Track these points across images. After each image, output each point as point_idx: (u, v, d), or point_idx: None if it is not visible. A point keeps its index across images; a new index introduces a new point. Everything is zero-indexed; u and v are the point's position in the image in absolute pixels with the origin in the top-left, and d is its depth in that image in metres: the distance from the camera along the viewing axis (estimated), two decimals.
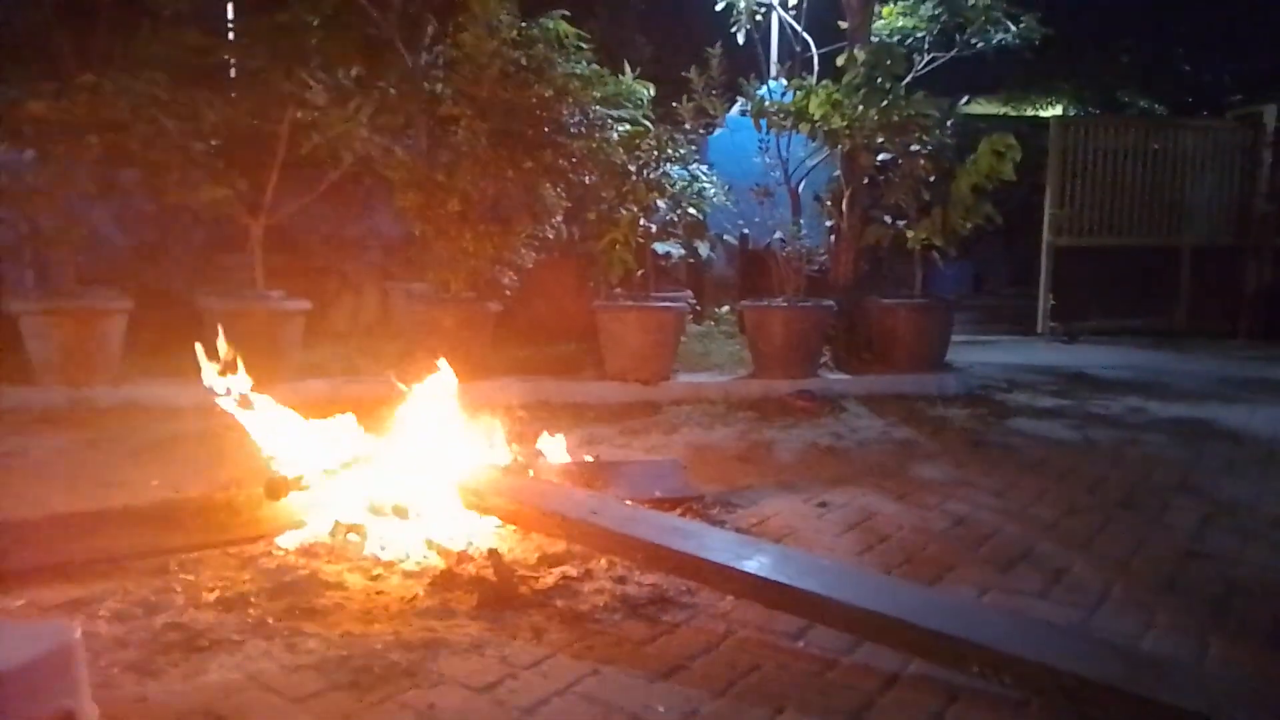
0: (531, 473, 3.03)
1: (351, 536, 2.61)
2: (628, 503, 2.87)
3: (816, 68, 6.59)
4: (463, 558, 2.47)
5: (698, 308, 7.11)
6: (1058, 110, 15.45)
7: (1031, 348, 7.76)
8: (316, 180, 5.54)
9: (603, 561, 2.48)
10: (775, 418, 4.70)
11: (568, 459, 3.27)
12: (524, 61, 5.21)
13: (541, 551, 2.56)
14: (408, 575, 2.42)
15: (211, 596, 2.28)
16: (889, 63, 5.31)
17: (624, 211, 5.34)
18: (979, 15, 6.36)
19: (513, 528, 2.68)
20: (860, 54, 5.38)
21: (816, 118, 5.23)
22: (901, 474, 3.69)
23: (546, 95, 5.09)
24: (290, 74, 5.02)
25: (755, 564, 2.02)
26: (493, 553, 2.42)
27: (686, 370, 5.49)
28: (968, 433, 4.47)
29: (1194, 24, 13.05)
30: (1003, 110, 15.17)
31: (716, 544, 2.18)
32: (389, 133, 5.29)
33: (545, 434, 3.41)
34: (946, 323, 5.74)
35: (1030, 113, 15.29)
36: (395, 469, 2.82)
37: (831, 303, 5.66)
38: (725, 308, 7.48)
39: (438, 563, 2.47)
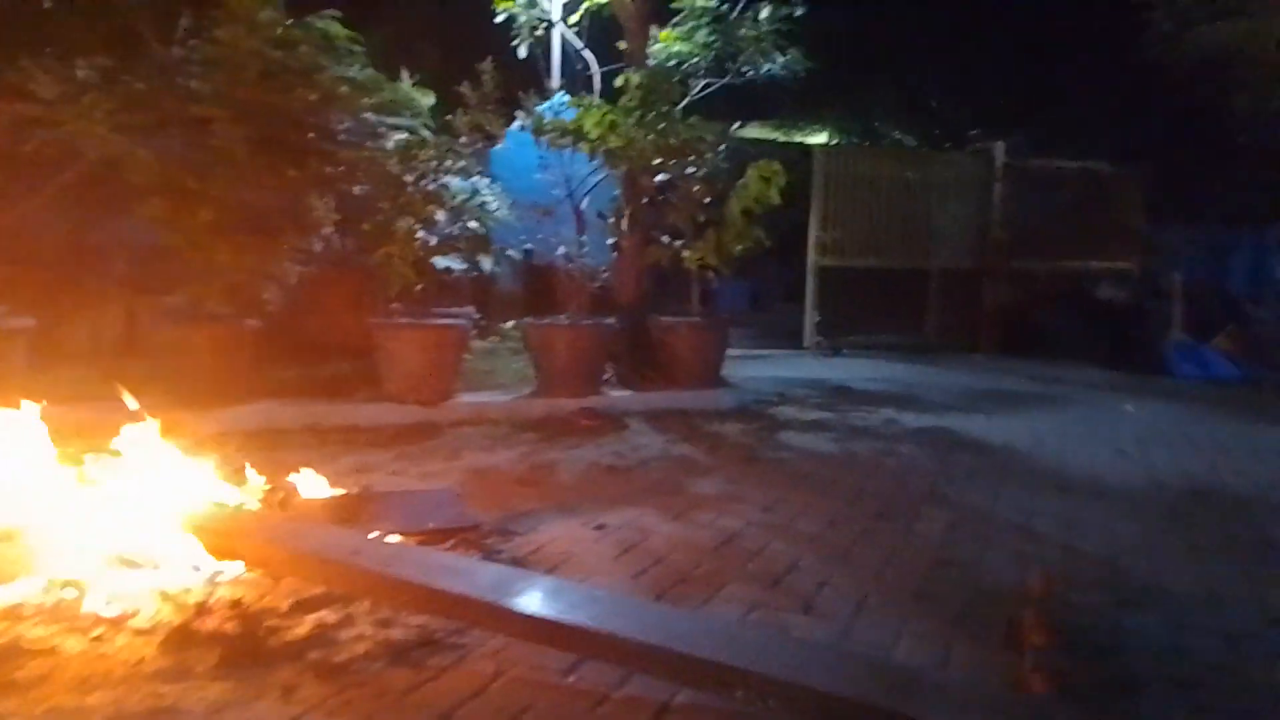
0: (286, 510, 2.80)
1: (69, 592, 2.29)
2: (396, 538, 2.73)
3: (598, 86, 6.67)
4: (203, 610, 2.23)
5: (483, 323, 6.98)
6: (824, 137, 16.57)
7: (800, 362, 8.21)
8: (48, 182, 4.94)
9: (366, 603, 2.32)
10: (559, 437, 4.66)
11: (332, 491, 3.05)
12: (289, 63, 4.90)
13: (297, 596, 2.35)
14: (137, 634, 2.15)
15: None
16: (664, 88, 5.44)
17: (401, 224, 5.13)
18: (750, 45, 6.68)
19: (265, 571, 2.45)
20: (636, 77, 5.48)
21: (593, 138, 5.26)
22: (679, 491, 3.75)
23: (311, 100, 4.80)
24: (13, 62, 4.45)
25: (524, 601, 1.95)
26: (237, 603, 2.20)
27: (470, 389, 5.34)
28: (742, 448, 4.63)
29: (941, 65, 14.39)
30: (775, 135, 16.06)
31: (486, 580, 2.09)
32: (136, 132, 4.79)
33: (307, 464, 3.18)
34: (723, 339, 5.94)
35: (800, 139, 16.29)
36: (126, 510, 2.52)
37: (614, 320, 5.71)
38: (511, 323, 7.39)
39: (174, 617, 2.21)
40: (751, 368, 7.36)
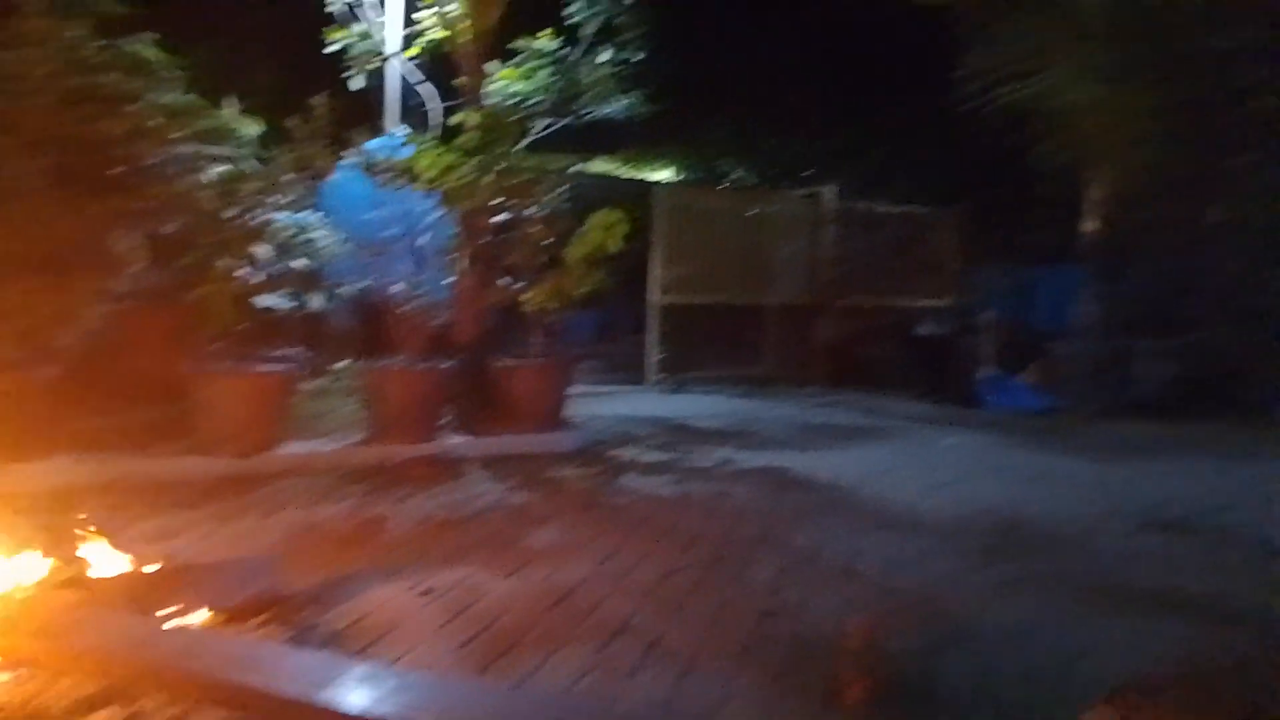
0: (73, 590, 2.54)
1: None
2: (202, 614, 2.53)
3: (439, 122, 6.55)
4: None
5: (315, 363, 6.66)
6: (669, 173, 16.93)
7: (643, 398, 8.27)
8: None
9: (159, 697, 2.13)
10: (391, 488, 4.48)
11: (128, 564, 2.80)
12: (95, 90, 4.55)
13: (77, 694, 2.12)
14: None
15: None
16: (503, 128, 5.39)
17: (220, 262, 4.85)
18: (590, 88, 6.74)
19: (40, 668, 2.21)
20: (475, 117, 5.40)
21: (428, 178, 5.15)
22: (515, 544, 3.67)
23: (119, 132, 4.46)
24: None
25: (331, 693, 1.83)
26: (1, 709, 1.97)
27: (297, 436, 5.07)
28: (581, 494, 4.59)
29: (776, 107, 15.03)
30: (621, 170, 16.29)
31: (290, 670, 1.95)
32: None
33: (102, 531, 2.91)
34: (565, 380, 5.91)
35: (646, 174, 16.58)
36: None
37: (454, 362, 5.57)
38: (344, 363, 7.09)
39: None
40: (595, 405, 7.35)
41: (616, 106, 7.15)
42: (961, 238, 10.51)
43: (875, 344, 9.54)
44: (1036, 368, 8.56)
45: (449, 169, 5.09)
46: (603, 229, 5.14)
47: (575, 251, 5.26)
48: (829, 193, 9.98)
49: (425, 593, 3.03)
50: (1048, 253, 10.49)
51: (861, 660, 2.51)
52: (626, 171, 16.25)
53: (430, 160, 5.17)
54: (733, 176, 16.53)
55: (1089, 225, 8.40)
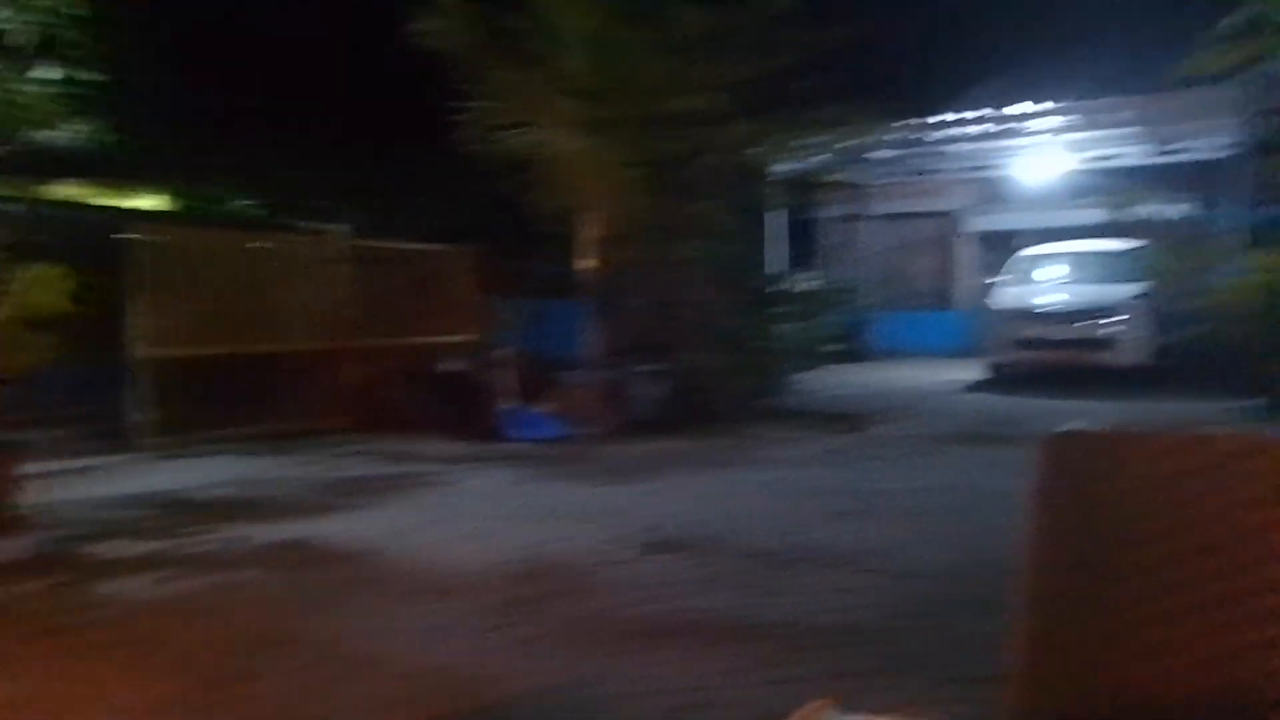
0: None
1: None
2: None
3: None
4: None
5: None
6: (159, 201, 14.98)
7: (131, 471, 7.08)
8: None
9: None
10: None
11: None
12: None
13: None
14: None
15: None
16: None
17: None
18: (34, 116, 5.62)
19: None
20: None
21: None
22: None
23: None
24: None
25: None
26: None
27: None
28: (32, 617, 3.72)
29: (285, 135, 14.12)
30: (97, 196, 14.00)
31: None
32: None
33: None
34: (10, 467, 4.79)
35: (131, 201, 14.47)
36: None
37: None
38: None
39: None
40: (66, 488, 6.09)
41: (69, 133, 6.06)
42: (479, 275, 10.81)
43: (399, 385, 9.37)
44: (551, 397, 9.06)
45: None
46: (43, 286, 4.23)
47: (8, 313, 4.27)
48: (343, 232, 9.60)
49: None
50: (558, 287, 11.24)
51: None
52: (101, 199, 13.98)
53: None
54: (234, 204, 15.18)
55: (585, 262, 9.13)
